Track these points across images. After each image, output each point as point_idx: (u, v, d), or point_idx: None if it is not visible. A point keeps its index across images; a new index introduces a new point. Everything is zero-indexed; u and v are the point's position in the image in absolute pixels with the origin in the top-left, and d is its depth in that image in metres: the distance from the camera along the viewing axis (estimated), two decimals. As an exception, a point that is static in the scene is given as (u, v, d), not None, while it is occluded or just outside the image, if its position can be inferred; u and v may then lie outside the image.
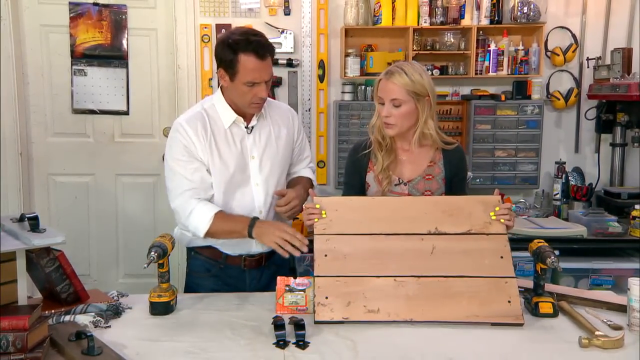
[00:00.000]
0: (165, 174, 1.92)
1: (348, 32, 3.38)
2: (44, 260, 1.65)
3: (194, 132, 1.86)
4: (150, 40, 3.49)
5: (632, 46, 3.43)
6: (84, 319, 1.61)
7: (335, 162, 3.50)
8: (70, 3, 3.41)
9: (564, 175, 3.40)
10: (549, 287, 1.81)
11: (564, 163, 3.45)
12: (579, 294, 1.82)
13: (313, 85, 3.49)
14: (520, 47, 3.41)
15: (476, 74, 3.39)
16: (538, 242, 1.74)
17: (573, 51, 3.50)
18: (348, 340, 1.50)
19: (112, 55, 3.47)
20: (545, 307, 1.67)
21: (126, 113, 3.53)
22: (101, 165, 3.56)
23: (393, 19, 3.35)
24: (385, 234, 1.73)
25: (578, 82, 3.56)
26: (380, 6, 3.35)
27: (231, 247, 1.95)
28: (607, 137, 3.55)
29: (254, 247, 1.94)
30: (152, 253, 1.64)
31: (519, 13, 3.32)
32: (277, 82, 3.40)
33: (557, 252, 1.72)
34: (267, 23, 3.37)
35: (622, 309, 1.68)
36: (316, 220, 1.75)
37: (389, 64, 3.24)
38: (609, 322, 1.61)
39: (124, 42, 3.47)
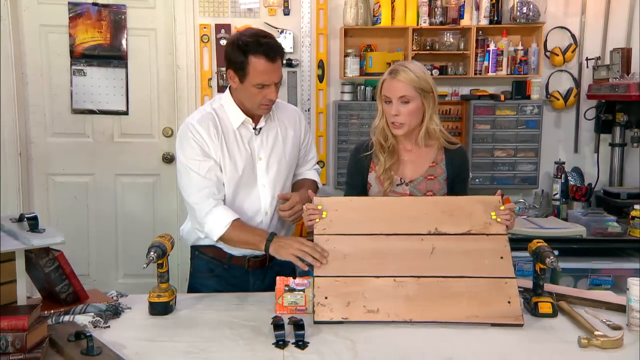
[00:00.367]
0: (178, 173, 1.92)
1: (347, 32, 3.38)
2: (44, 260, 1.65)
3: (207, 133, 1.86)
4: (149, 40, 3.49)
5: (632, 46, 3.43)
6: (83, 319, 1.61)
7: (334, 162, 3.50)
8: (69, 3, 3.41)
9: (563, 175, 3.40)
10: (548, 287, 1.81)
11: (564, 163, 3.45)
12: (578, 294, 1.82)
13: (312, 85, 3.48)
14: (520, 47, 3.41)
15: (475, 74, 3.39)
16: (537, 242, 1.74)
17: (572, 51, 3.50)
18: (347, 340, 1.50)
19: (111, 55, 3.47)
20: (545, 307, 1.67)
21: (125, 113, 3.53)
22: (100, 165, 3.56)
23: (392, 19, 3.35)
24: (385, 234, 1.73)
25: (577, 82, 3.56)
26: (379, 6, 3.35)
27: (236, 247, 1.95)
28: (606, 137, 3.55)
29: None
30: (152, 253, 1.64)
31: (518, 13, 3.32)
32: (277, 82, 3.40)
33: (556, 252, 1.73)
34: (266, 23, 3.37)
35: (621, 309, 1.68)
36: (317, 220, 1.75)
37: (389, 64, 3.27)
38: (608, 322, 1.61)
39: (124, 42, 3.47)
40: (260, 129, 1.94)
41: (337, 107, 3.41)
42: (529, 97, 3.43)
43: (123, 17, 3.45)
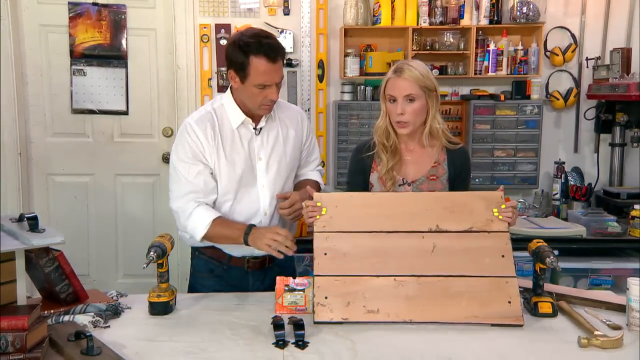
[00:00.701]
0: (169, 173, 1.93)
1: (347, 32, 3.38)
2: (43, 260, 1.65)
3: (203, 134, 1.86)
4: (149, 40, 3.49)
5: (631, 46, 3.43)
6: (83, 319, 1.61)
7: (334, 162, 3.50)
8: (69, 3, 3.41)
9: (563, 175, 3.40)
10: (548, 287, 1.81)
11: (563, 163, 3.45)
12: (578, 294, 1.82)
13: (312, 85, 3.48)
14: (520, 47, 3.41)
15: (475, 74, 3.39)
16: (537, 242, 1.74)
17: (572, 51, 3.50)
18: (347, 340, 1.50)
19: (111, 55, 3.47)
20: (545, 307, 1.67)
21: (125, 113, 3.53)
22: (100, 165, 3.56)
23: (392, 18, 3.35)
24: (386, 231, 1.72)
25: (577, 82, 3.56)
26: (379, 6, 3.35)
27: (235, 248, 1.95)
28: (606, 137, 3.55)
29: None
30: (152, 253, 1.64)
31: (518, 13, 3.32)
32: (277, 82, 3.40)
33: (556, 252, 1.73)
34: (266, 23, 3.37)
35: (621, 308, 1.68)
36: (317, 217, 1.74)
37: (389, 64, 3.28)
38: (608, 322, 1.61)
39: (123, 42, 3.47)
40: (261, 129, 1.94)
41: (337, 107, 3.41)
42: (529, 97, 3.43)
43: (123, 17, 3.45)
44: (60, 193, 3.56)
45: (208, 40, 3.42)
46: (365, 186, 2.00)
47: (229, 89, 1.94)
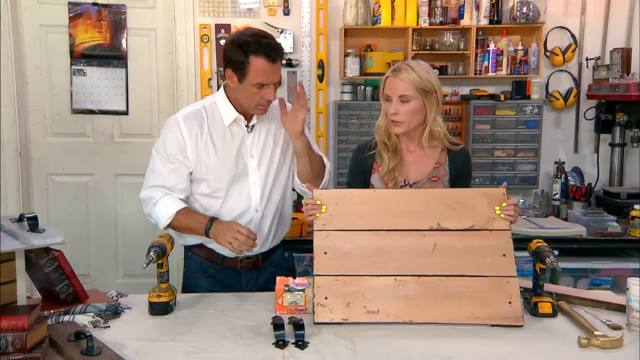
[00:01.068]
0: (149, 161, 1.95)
1: (347, 32, 3.38)
2: (43, 260, 1.65)
3: (188, 131, 1.86)
4: (149, 40, 3.49)
5: (631, 46, 3.43)
6: (83, 319, 1.60)
7: (334, 162, 3.49)
8: (69, 3, 3.41)
9: (563, 175, 3.40)
10: (548, 287, 1.81)
11: (563, 163, 3.45)
12: (578, 294, 1.82)
13: (312, 85, 3.48)
14: (520, 47, 3.41)
15: (475, 74, 3.39)
16: (537, 242, 1.74)
17: (572, 51, 3.50)
18: (347, 340, 1.50)
19: (111, 55, 3.47)
20: (545, 307, 1.66)
21: (125, 113, 3.53)
22: (100, 165, 3.56)
23: (392, 19, 3.35)
24: (386, 229, 1.71)
25: (577, 82, 3.56)
26: (379, 6, 3.35)
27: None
28: (606, 137, 3.55)
29: None
30: (151, 253, 1.64)
31: (518, 13, 3.32)
32: (276, 82, 3.40)
33: (556, 252, 1.72)
34: (266, 23, 3.37)
35: (621, 308, 1.68)
36: (317, 215, 1.73)
37: (389, 64, 3.27)
38: (608, 322, 1.61)
39: (123, 42, 3.47)
40: (253, 126, 1.94)
41: (337, 107, 3.41)
42: (529, 97, 3.43)
43: (123, 17, 3.44)
44: (60, 193, 3.56)
45: (208, 40, 3.42)
46: (365, 187, 1.99)
47: (222, 87, 1.94)
